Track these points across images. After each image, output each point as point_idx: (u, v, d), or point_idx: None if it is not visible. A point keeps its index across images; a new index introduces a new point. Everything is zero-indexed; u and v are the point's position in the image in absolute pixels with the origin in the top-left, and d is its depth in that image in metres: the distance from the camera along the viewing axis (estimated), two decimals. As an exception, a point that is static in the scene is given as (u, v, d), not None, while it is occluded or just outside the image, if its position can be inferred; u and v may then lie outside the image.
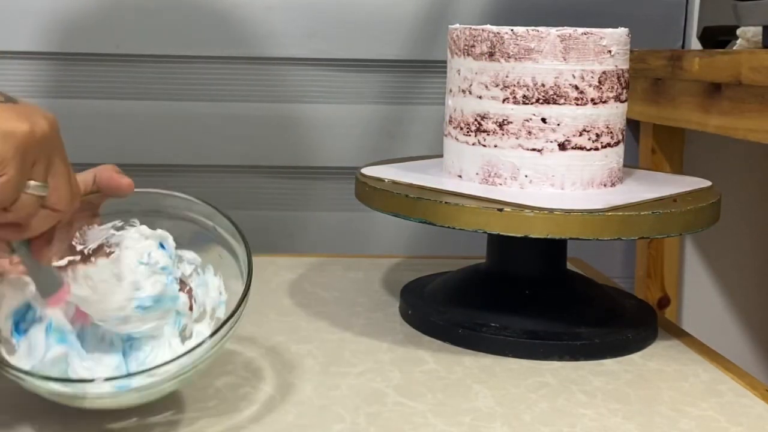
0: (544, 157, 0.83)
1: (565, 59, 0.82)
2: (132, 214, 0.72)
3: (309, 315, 0.92)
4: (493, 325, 0.84)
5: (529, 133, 0.83)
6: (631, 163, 1.28)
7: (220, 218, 0.71)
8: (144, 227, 0.70)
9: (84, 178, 0.68)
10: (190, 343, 0.69)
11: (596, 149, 0.85)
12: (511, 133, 0.84)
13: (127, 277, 0.67)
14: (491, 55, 0.84)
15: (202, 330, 0.70)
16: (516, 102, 0.83)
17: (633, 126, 1.33)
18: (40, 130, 0.57)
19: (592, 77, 0.83)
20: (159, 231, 0.70)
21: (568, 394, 0.74)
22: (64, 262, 0.67)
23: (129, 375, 0.64)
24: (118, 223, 0.71)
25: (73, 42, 1.26)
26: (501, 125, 0.84)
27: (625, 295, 0.99)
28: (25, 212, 0.59)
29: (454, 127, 0.89)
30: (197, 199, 0.72)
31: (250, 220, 1.32)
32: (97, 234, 0.70)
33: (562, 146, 0.83)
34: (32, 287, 0.67)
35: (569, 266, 0.96)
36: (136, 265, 0.67)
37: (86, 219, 0.70)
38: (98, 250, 0.69)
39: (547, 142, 0.83)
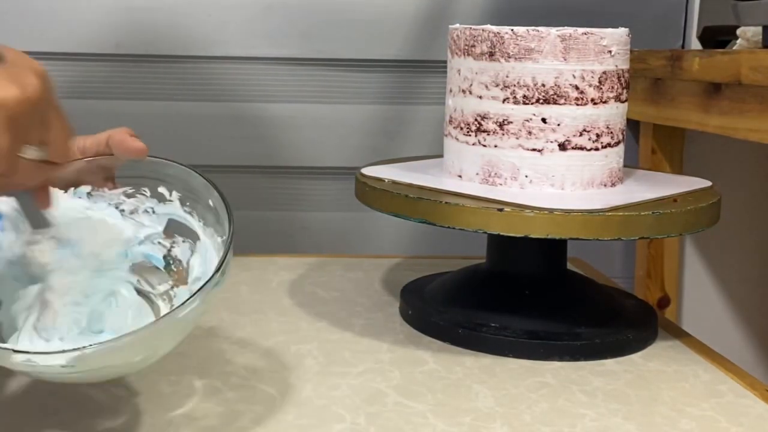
0: (544, 157, 0.83)
1: (565, 59, 0.82)
2: (145, 181, 0.71)
3: (309, 315, 0.92)
4: (493, 325, 0.84)
5: (530, 133, 0.83)
6: (631, 163, 1.28)
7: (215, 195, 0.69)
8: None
9: (97, 139, 0.66)
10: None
11: (596, 149, 0.84)
12: (511, 133, 0.84)
13: None
14: (491, 55, 0.84)
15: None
16: (516, 102, 0.83)
17: (633, 126, 1.33)
18: (33, 91, 0.53)
19: (593, 77, 0.83)
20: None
21: (568, 394, 0.74)
22: None
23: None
24: (129, 189, 0.71)
25: (73, 42, 1.26)
26: (501, 125, 0.84)
27: (625, 295, 0.99)
28: (27, 178, 0.57)
29: (454, 127, 0.89)
30: (212, 183, 0.70)
31: (250, 220, 1.32)
32: (106, 198, 0.70)
33: (563, 146, 0.83)
34: None
35: (569, 266, 0.96)
36: None
37: (99, 182, 0.70)
38: None
39: (547, 142, 0.83)
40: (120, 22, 1.26)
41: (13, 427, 0.65)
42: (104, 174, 0.70)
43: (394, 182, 0.87)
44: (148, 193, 0.71)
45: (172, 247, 0.72)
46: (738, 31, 1.10)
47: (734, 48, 1.13)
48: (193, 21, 1.27)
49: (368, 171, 0.92)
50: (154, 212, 0.72)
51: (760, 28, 1.04)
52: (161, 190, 0.71)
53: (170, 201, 0.72)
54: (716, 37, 1.24)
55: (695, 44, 1.32)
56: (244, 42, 1.28)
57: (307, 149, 1.31)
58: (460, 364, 0.79)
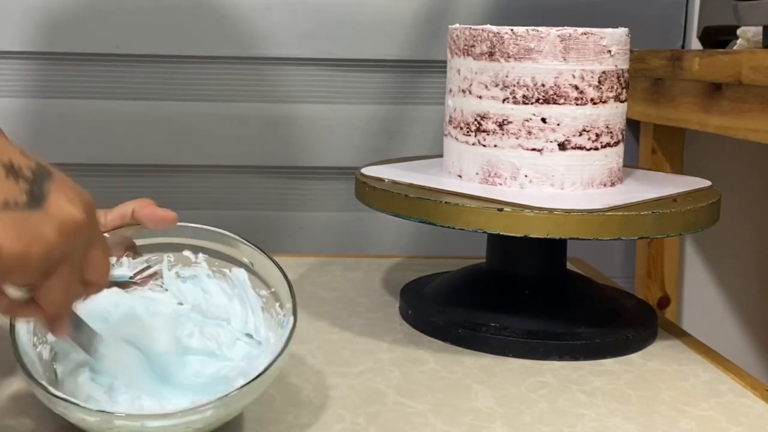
0: (544, 157, 0.83)
1: (565, 59, 0.82)
2: (168, 248, 0.71)
3: (309, 315, 0.92)
4: (493, 325, 0.84)
5: (529, 133, 0.83)
6: (632, 163, 1.28)
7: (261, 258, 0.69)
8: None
9: (120, 213, 0.66)
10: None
11: (596, 149, 0.84)
12: (511, 133, 0.84)
13: None
14: (491, 55, 0.84)
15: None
16: (516, 102, 0.83)
17: (633, 126, 1.33)
18: (39, 250, 0.50)
19: (592, 77, 0.83)
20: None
21: (568, 394, 0.74)
22: None
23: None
24: (153, 257, 0.71)
25: (73, 42, 1.26)
26: (501, 125, 0.84)
27: (625, 295, 0.99)
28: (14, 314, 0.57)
29: (454, 127, 0.89)
30: (241, 239, 0.70)
31: (250, 220, 1.32)
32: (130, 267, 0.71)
33: (562, 146, 0.83)
34: None
35: (569, 266, 0.96)
36: None
37: (120, 252, 0.70)
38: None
39: (547, 142, 0.83)
40: (120, 22, 1.26)
41: (11, 427, 0.65)
42: (125, 244, 0.70)
43: (394, 182, 0.87)
44: (172, 258, 0.72)
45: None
46: (738, 31, 1.10)
47: (734, 48, 1.13)
48: (192, 21, 1.27)
49: (368, 171, 0.92)
50: (178, 276, 0.73)
51: (760, 28, 1.04)
52: (186, 253, 0.72)
53: (196, 263, 0.72)
54: (716, 37, 1.24)
55: (695, 44, 1.32)
56: (245, 42, 1.28)
57: (307, 149, 1.31)
58: (460, 364, 0.79)
